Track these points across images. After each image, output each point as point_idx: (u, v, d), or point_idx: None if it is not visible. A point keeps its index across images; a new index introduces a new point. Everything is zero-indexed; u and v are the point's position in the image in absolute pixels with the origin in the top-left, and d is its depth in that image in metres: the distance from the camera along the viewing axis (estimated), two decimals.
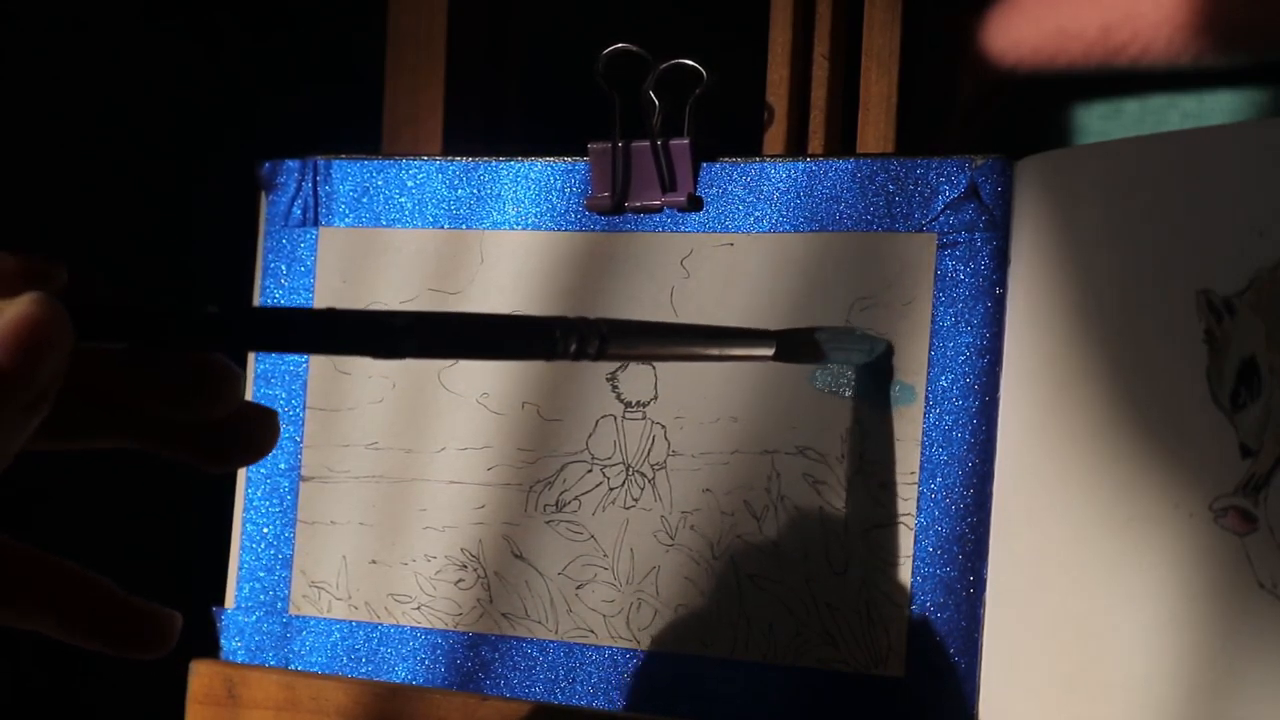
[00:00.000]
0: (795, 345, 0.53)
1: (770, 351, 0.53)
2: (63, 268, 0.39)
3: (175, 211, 0.80)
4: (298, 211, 0.63)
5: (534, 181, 0.61)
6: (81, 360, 0.38)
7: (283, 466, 0.63)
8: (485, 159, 0.61)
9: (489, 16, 0.73)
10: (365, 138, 0.71)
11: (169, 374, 0.40)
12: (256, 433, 0.42)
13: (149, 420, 0.41)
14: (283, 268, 0.63)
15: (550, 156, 0.61)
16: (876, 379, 0.55)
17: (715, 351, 0.53)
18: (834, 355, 0.54)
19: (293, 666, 0.62)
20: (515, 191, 0.61)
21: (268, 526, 0.63)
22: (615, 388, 0.59)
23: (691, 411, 0.57)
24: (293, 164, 0.64)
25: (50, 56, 0.75)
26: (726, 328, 0.56)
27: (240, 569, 0.63)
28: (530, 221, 0.60)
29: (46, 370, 0.35)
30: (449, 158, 0.62)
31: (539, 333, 0.45)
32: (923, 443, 0.54)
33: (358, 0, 0.76)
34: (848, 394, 0.55)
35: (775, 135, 0.62)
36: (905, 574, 0.54)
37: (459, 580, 0.60)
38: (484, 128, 0.73)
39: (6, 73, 0.73)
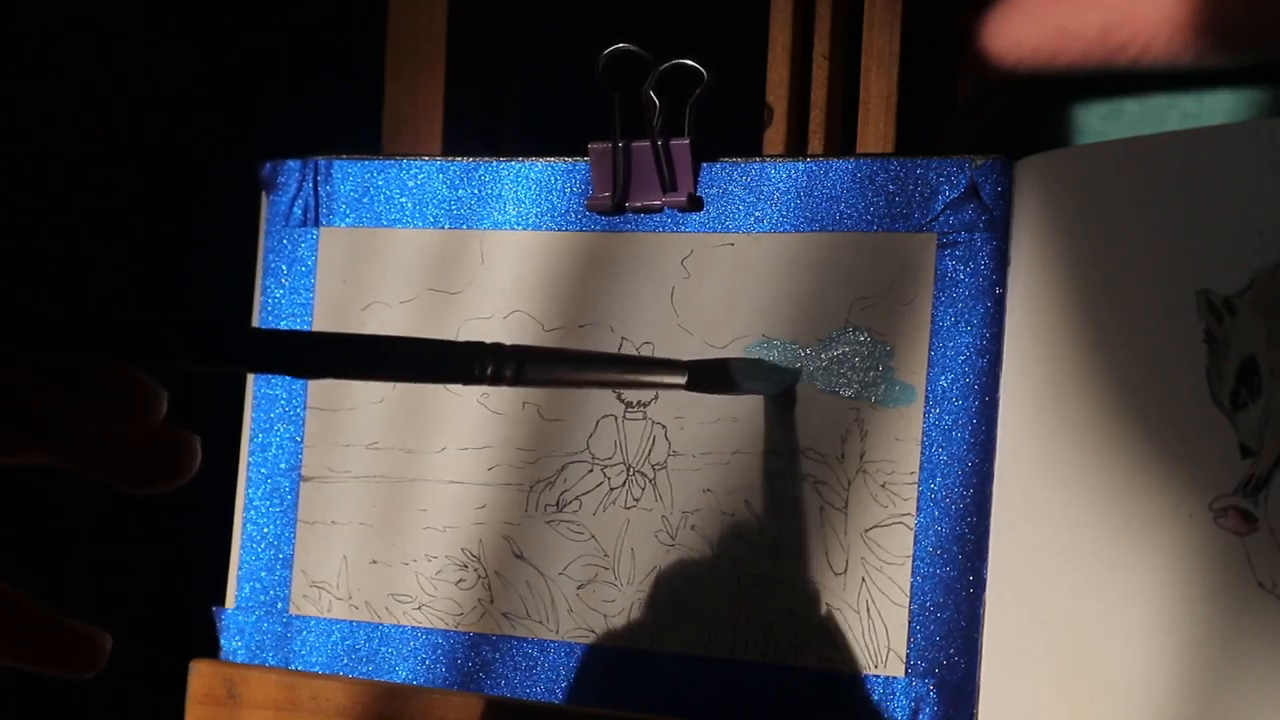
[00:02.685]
0: (708, 375, 0.54)
1: (683, 380, 0.54)
2: None
3: (175, 212, 0.80)
4: (298, 212, 0.63)
5: (534, 182, 0.61)
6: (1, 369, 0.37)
7: (283, 466, 0.63)
8: (486, 159, 0.61)
9: (489, 16, 0.73)
10: (365, 138, 0.71)
11: (88, 385, 0.39)
12: (175, 454, 0.41)
13: (68, 435, 0.40)
14: (283, 268, 0.63)
15: (551, 157, 0.61)
16: (784, 400, 0.56)
17: (629, 379, 0.55)
18: (745, 385, 0.55)
19: (293, 666, 0.62)
20: (516, 192, 0.61)
21: (268, 526, 0.63)
22: None
23: (692, 411, 0.57)
24: (293, 164, 0.64)
25: (50, 56, 0.75)
26: (640, 357, 0.57)
27: (240, 569, 0.63)
28: (531, 222, 0.60)
29: None
30: (450, 158, 0.62)
31: (455, 358, 0.46)
32: (923, 443, 0.54)
33: (358, 0, 0.76)
34: (848, 394, 0.55)
35: (775, 135, 0.62)
36: (905, 574, 0.54)
37: (460, 580, 0.60)
38: (484, 128, 0.72)
39: (7, 73, 0.73)
